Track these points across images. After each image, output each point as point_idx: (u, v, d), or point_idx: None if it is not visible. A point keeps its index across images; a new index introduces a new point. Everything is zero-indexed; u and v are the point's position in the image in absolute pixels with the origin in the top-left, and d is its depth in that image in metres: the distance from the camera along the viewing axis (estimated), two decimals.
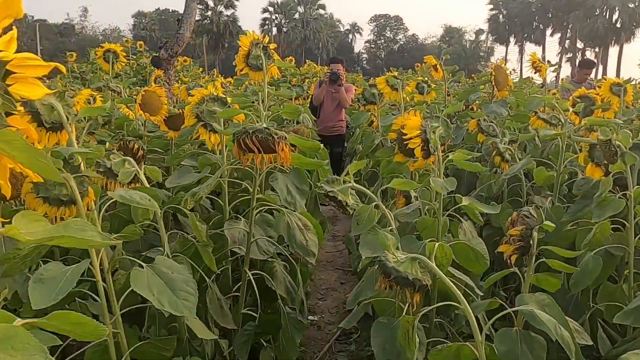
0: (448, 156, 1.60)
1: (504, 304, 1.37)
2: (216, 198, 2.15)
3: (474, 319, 0.88)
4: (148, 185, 1.54)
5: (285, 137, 1.43)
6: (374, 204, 1.40)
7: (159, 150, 2.70)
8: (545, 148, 3.02)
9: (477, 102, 3.76)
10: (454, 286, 0.89)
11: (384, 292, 1.04)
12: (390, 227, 1.41)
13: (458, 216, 1.88)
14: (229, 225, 1.78)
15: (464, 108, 3.80)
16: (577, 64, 6.82)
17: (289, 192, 1.98)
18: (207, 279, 1.58)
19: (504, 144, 2.73)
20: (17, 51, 0.65)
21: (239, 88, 3.63)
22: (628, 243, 1.64)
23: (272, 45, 2.29)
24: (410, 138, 1.54)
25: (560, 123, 3.04)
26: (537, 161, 2.52)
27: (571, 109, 2.95)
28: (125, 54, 4.47)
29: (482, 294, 1.47)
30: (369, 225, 1.39)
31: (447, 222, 1.67)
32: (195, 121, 1.85)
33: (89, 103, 3.24)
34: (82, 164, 1.26)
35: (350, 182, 1.44)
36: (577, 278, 1.55)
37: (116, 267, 1.50)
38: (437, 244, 1.02)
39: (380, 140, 3.01)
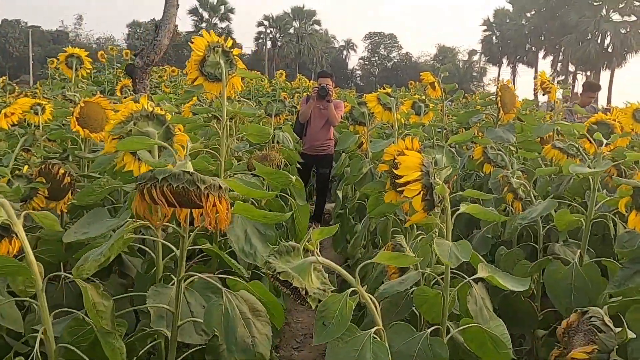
0: (458, 208, 1.15)
1: None
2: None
3: None
4: (27, 242, 1.06)
5: (220, 187, 0.93)
6: (350, 290, 0.91)
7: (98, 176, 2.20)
8: (561, 182, 2.59)
9: (477, 124, 3.35)
10: None
11: None
12: (376, 327, 0.92)
13: (462, 275, 1.41)
14: (155, 294, 1.27)
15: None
16: (581, 85, 6.48)
17: (247, 240, 1.51)
18: None
19: (516, 177, 2.29)
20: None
21: (187, 102, 3.18)
22: None
23: (236, 51, 1.83)
24: (408, 182, 1.08)
25: (579, 154, 2.62)
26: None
27: (588, 137, 2.54)
28: (90, 60, 4.02)
29: None
30: (341, 329, 0.87)
31: (455, 297, 1.21)
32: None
33: (36, 113, 2.79)
34: None
35: (314, 253, 0.91)
36: None
37: None
38: None
39: (369, 168, 2.56)
